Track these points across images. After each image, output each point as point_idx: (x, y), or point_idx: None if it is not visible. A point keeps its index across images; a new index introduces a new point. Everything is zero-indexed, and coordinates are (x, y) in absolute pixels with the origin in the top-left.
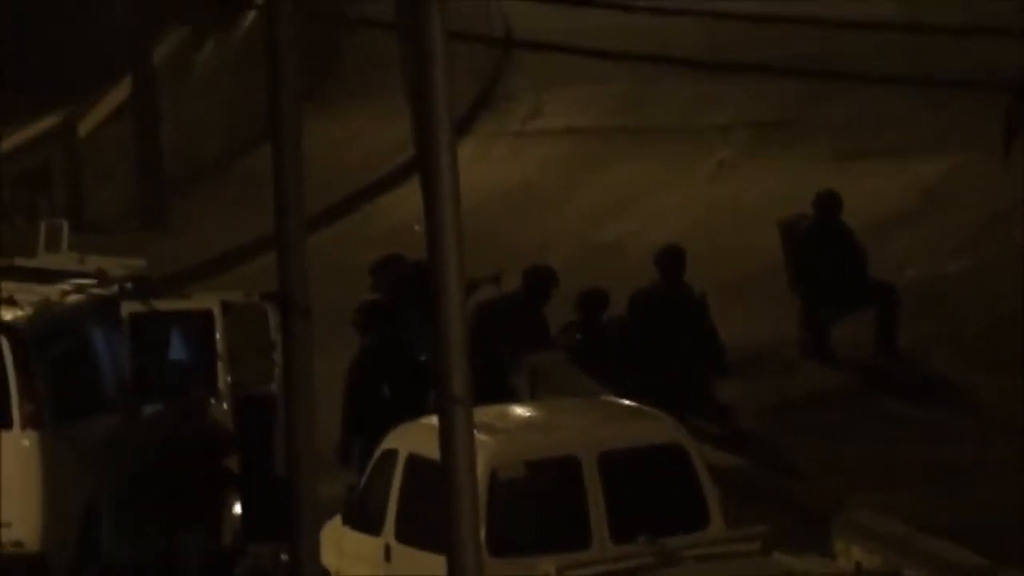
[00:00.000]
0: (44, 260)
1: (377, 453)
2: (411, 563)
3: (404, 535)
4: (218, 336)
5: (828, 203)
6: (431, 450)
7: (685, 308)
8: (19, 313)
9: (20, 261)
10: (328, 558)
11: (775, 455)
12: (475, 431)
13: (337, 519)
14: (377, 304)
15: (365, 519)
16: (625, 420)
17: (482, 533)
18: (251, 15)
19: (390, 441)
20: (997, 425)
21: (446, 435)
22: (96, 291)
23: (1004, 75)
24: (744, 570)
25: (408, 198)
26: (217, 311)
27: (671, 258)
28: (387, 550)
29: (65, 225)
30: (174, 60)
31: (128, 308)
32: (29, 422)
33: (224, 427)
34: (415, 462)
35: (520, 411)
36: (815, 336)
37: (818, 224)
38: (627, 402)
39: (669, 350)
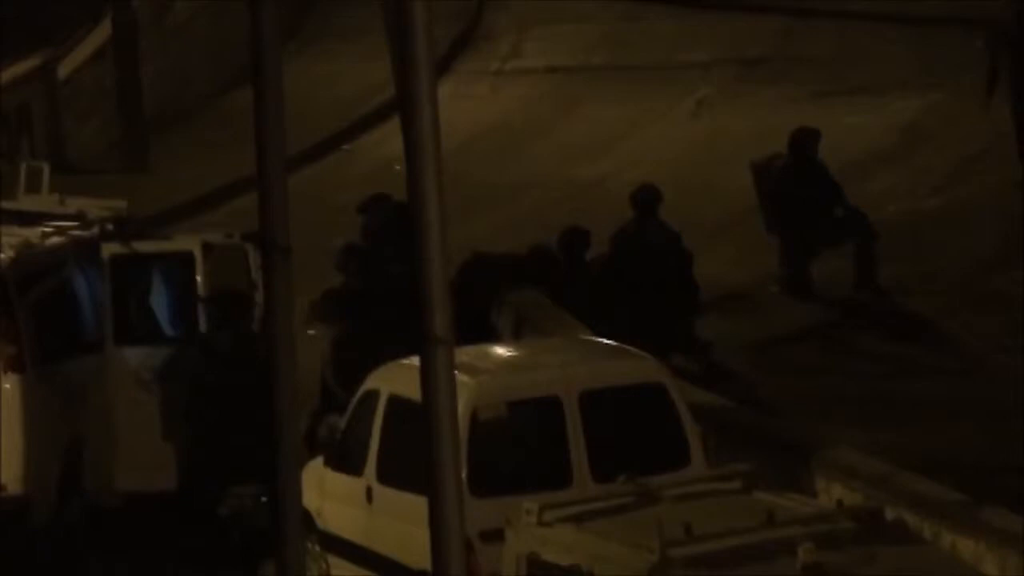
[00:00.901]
0: (24, 202)
1: (359, 393)
2: (392, 504)
3: (385, 476)
4: (199, 277)
5: (802, 140)
6: (412, 390)
7: (662, 246)
8: None
9: (2, 203)
10: (310, 499)
11: (755, 393)
12: (456, 371)
13: (319, 460)
14: (354, 247)
15: (347, 460)
16: (606, 359)
17: (463, 473)
18: None
19: (371, 382)
20: (974, 362)
21: (427, 375)
22: (77, 233)
23: (983, 12)
24: (725, 508)
25: (389, 137)
26: (198, 252)
27: (646, 196)
28: (368, 491)
29: (46, 167)
30: (154, 1)
31: (109, 250)
32: (10, 365)
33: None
34: (396, 402)
35: (501, 351)
36: (794, 273)
37: (792, 162)
38: (608, 341)
39: (648, 289)
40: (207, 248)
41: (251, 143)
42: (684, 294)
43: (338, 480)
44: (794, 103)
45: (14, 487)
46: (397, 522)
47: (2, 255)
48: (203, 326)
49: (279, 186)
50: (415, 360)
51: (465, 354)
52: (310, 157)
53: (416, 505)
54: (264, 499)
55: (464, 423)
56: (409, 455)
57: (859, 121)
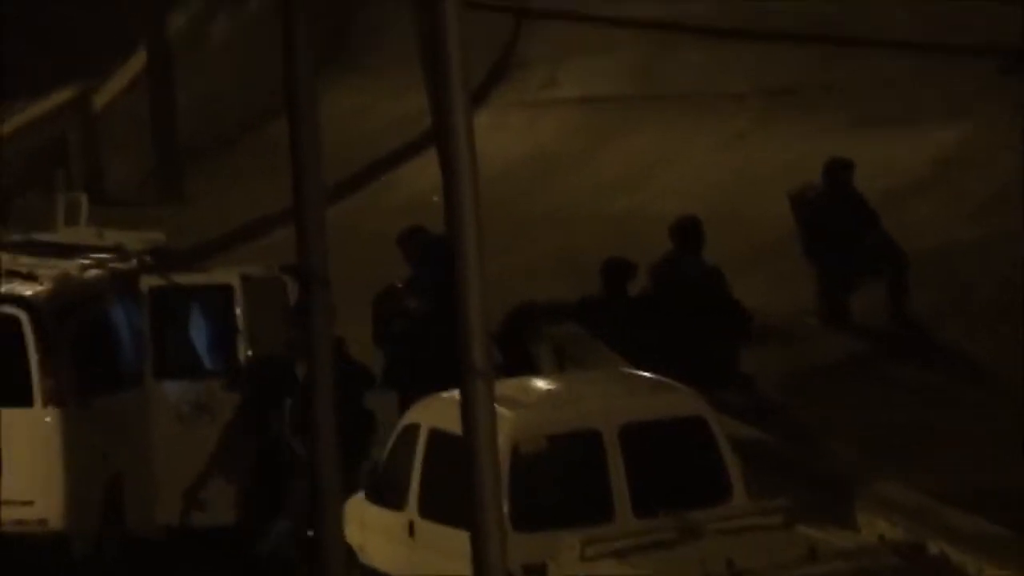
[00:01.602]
0: (63, 234)
1: (398, 428)
2: (435, 538)
3: (427, 510)
4: (238, 309)
5: (837, 169)
6: (453, 424)
7: (700, 278)
8: (39, 288)
9: (39, 235)
10: (352, 534)
11: (795, 425)
12: (497, 404)
13: (360, 494)
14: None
15: (388, 494)
16: (646, 392)
17: (505, 507)
18: None
19: (411, 416)
20: (1011, 392)
21: (467, 408)
22: (116, 265)
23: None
24: (767, 543)
25: (426, 168)
26: (237, 284)
27: (686, 229)
28: (410, 525)
29: (83, 198)
30: (188, 31)
31: (148, 282)
32: (50, 398)
33: (364, 365)
34: (437, 436)
35: (541, 384)
36: (831, 304)
37: (828, 191)
38: (648, 375)
39: (689, 321)
40: (245, 280)
41: (288, 173)
42: (724, 326)
43: (380, 515)
44: (828, 133)
45: (55, 521)
46: (440, 557)
47: (41, 288)
48: (241, 358)
49: (317, 218)
50: (455, 393)
51: (505, 387)
52: (347, 189)
53: (458, 539)
54: (309, 533)
55: (505, 457)
56: (450, 489)
57: (894, 151)
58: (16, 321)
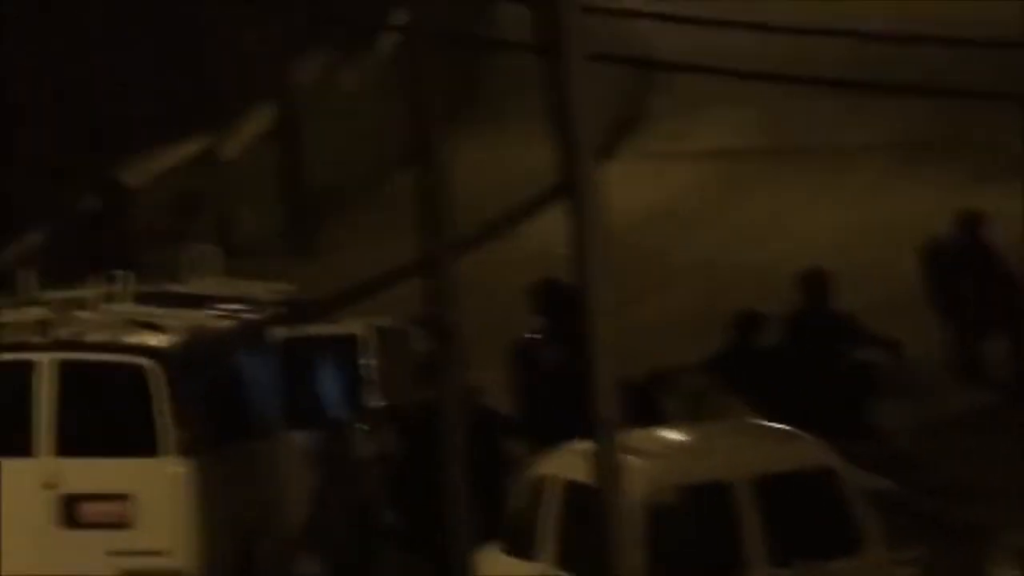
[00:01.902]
0: (193, 285)
1: (530, 478)
2: None
3: (561, 561)
4: (367, 360)
5: (969, 222)
6: (584, 474)
7: (831, 330)
8: (169, 339)
9: (170, 286)
10: None
11: (929, 477)
12: (628, 456)
13: (493, 545)
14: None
15: (520, 545)
16: (777, 444)
17: (638, 558)
18: (393, 37)
19: (543, 466)
20: None
21: (598, 458)
22: (245, 316)
23: None
24: None
25: (555, 220)
26: (364, 335)
27: (813, 281)
28: None
29: (214, 250)
30: (317, 84)
31: (278, 333)
32: (180, 449)
33: (499, 412)
34: (568, 487)
35: (673, 436)
36: (963, 355)
37: (958, 243)
38: (779, 426)
39: (818, 372)
40: (375, 331)
41: (416, 226)
42: (856, 378)
43: (513, 566)
44: (959, 186)
45: (188, 570)
46: None
47: (171, 339)
48: (370, 408)
49: (446, 269)
50: (586, 444)
51: (638, 438)
52: (477, 240)
53: None
54: None
55: (638, 508)
56: (584, 540)
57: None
58: (146, 372)
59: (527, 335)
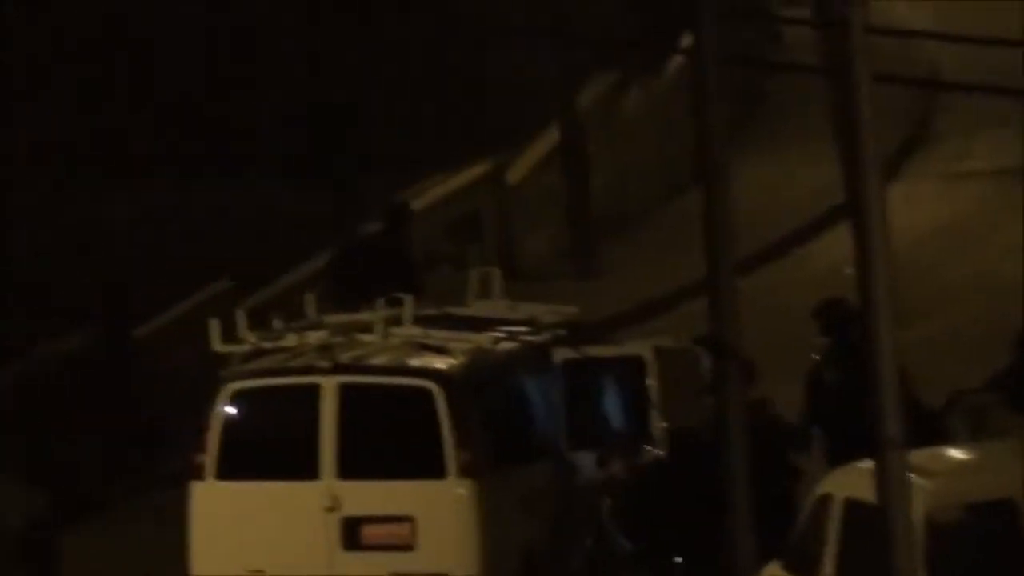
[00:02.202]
0: (476, 308)
1: (813, 497)
2: None
3: None
4: (650, 381)
5: None
6: (868, 494)
7: None
8: (452, 362)
9: (452, 309)
10: None
11: None
12: (912, 474)
13: (775, 564)
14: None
15: (803, 564)
16: None
17: None
18: (677, 58)
19: (826, 485)
20: None
21: (881, 478)
22: (528, 338)
23: None
24: None
25: (837, 241)
26: (649, 357)
27: None
28: None
29: (496, 273)
30: (601, 105)
31: (561, 355)
32: (464, 470)
33: (789, 423)
34: (852, 507)
35: (955, 453)
36: None
37: None
38: None
39: None
40: (658, 352)
41: (700, 246)
42: None
43: None
44: None
45: None
46: None
47: (455, 361)
48: (654, 429)
49: (729, 290)
50: (870, 463)
51: (920, 457)
52: (762, 260)
53: None
54: None
55: (921, 526)
56: (866, 560)
57: None
58: (430, 394)
59: (814, 355)
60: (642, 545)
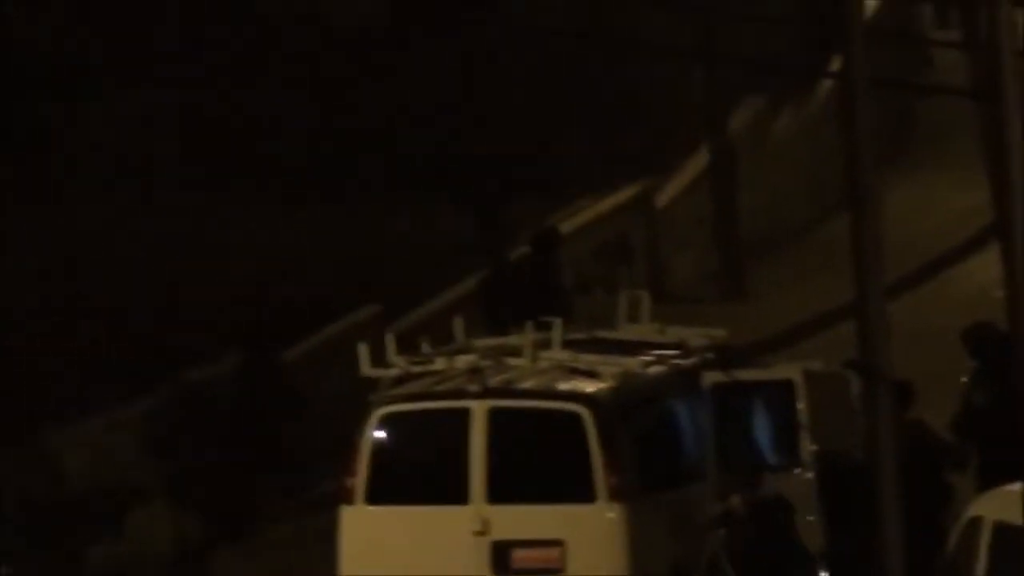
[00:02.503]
0: (625, 331)
1: (962, 521)
2: None
3: None
4: (800, 405)
5: None
6: (1017, 517)
7: None
8: (601, 386)
9: (602, 333)
10: None
11: None
12: None
13: None
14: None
15: None
16: None
17: None
18: (828, 81)
19: (975, 508)
20: None
21: None
22: (677, 362)
23: None
24: None
25: (987, 263)
26: (798, 380)
27: None
28: None
29: (645, 296)
30: (751, 129)
31: (710, 378)
32: (614, 494)
33: (946, 441)
34: (1001, 530)
35: None
36: None
37: None
38: None
39: None
40: (807, 376)
41: (848, 269)
42: None
43: None
44: None
45: None
46: None
47: (604, 385)
48: (804, 452)
49: (878, 313)
50: (1020, 486)
51: None
52: (911, 283)
53: None
54: None
55: None
56: None
57: None
58: (579, 418)
59: (963, 378)
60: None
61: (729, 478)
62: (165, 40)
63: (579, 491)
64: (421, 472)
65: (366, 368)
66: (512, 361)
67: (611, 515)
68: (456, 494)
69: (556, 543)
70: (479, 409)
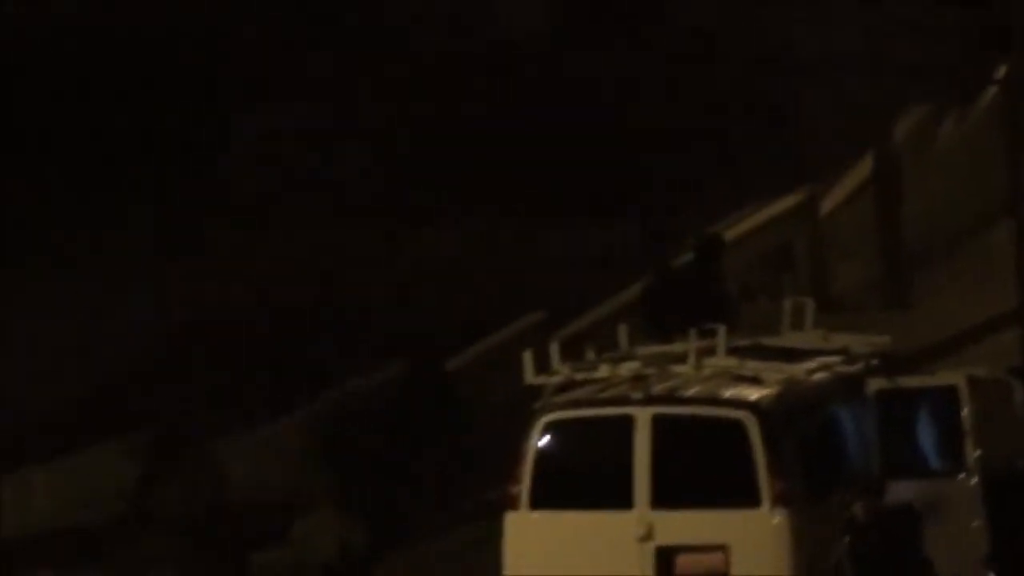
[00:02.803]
0: (789, 338)
1: None
2: None
3: None
4: (964, 412)
5: None
6: None
7: None
8: (766, 392)
9: (766, 340)
10: None
11: None
12: None
13: None
14: None
15: None
16: None
17: None
18: (992, 89)
19: None
20: None
21: None
22: (841, 369)
23: None
24: None
25: None
26: (963, 387)
27: None
28: None
29: (809, 303)
30: (915, 136)
31: (875, 385)
32: (778, 500)
33: None
34: None
35: None
36: None
37: None
38: None
39: None
40: (972, 382)
41: (1012, 277)
42: None
43: None
44: None
45: None
46: None
47: (768, 391)
48: (968, 459)
49: None
50: None
51: None
52: None
53: None
54: None
55: None
56: None
57: None
58: (743, 424)
59: None
60: None
61: (853, 487)
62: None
63: (743, 496)
64: (585, 478)
65: (530, 376)
66: (676, 368)
67: (775, 520)
68: (620, 499)
69: (720, 548)
70: (643, 416)
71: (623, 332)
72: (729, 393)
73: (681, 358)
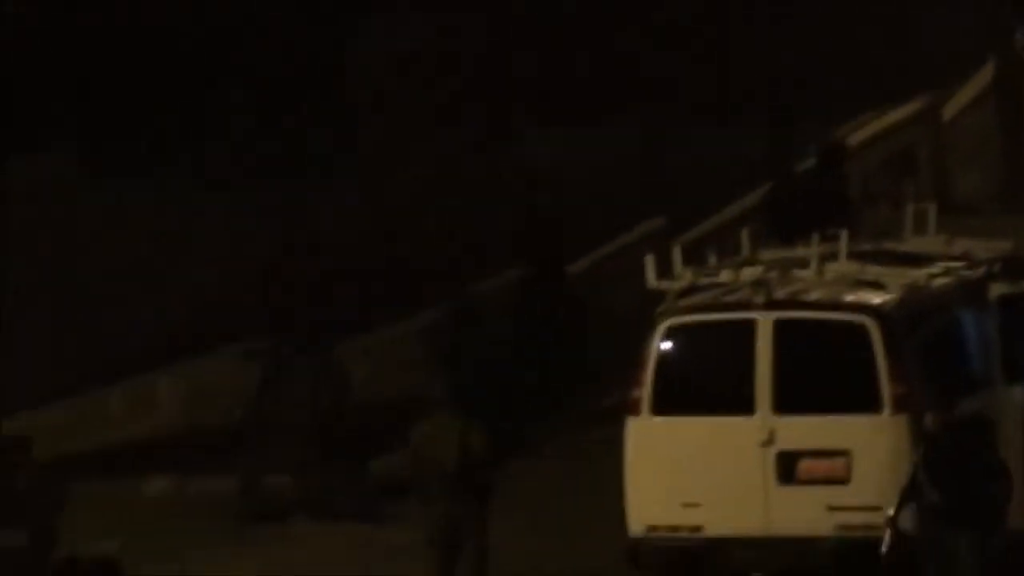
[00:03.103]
0: (911, 244)
1: None
2: None
3: None
4: None
5: None
6: None
7: None
8: (887, 297)
9: (888, 245)
10: None
11: None
12: None
13: None
14: None
15: None
16: None
17: None
18: None
19: None
20: None
21: None
22: (963, 274)
23: None
24: None
25: None
26: None
27: None
28: None
29: (932, 208)
30: None
31: (996, 290)
32: (899, 405)
33: None
34: None
35: None
36: None
37: None
38: None
39: None
40: None
41: None
42: None
43: None
44: None
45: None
46: None
47: (890, 296)
48: None
49: None
50: None
51: None
52: None
53: None
54: None
55: None
56: None
57: None
58: (865, 329)
59: None
60: (951, 499)
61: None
62: None
63: (865, 402)
64: (707, 383)
65: (652, 280)
66: (798, 273)
67: (896, 425)
68: (742, 405)
69: (841, 453)
70: (765, 321)
71: (745, 236)
72: (851, 298)
73: (803, 263)
